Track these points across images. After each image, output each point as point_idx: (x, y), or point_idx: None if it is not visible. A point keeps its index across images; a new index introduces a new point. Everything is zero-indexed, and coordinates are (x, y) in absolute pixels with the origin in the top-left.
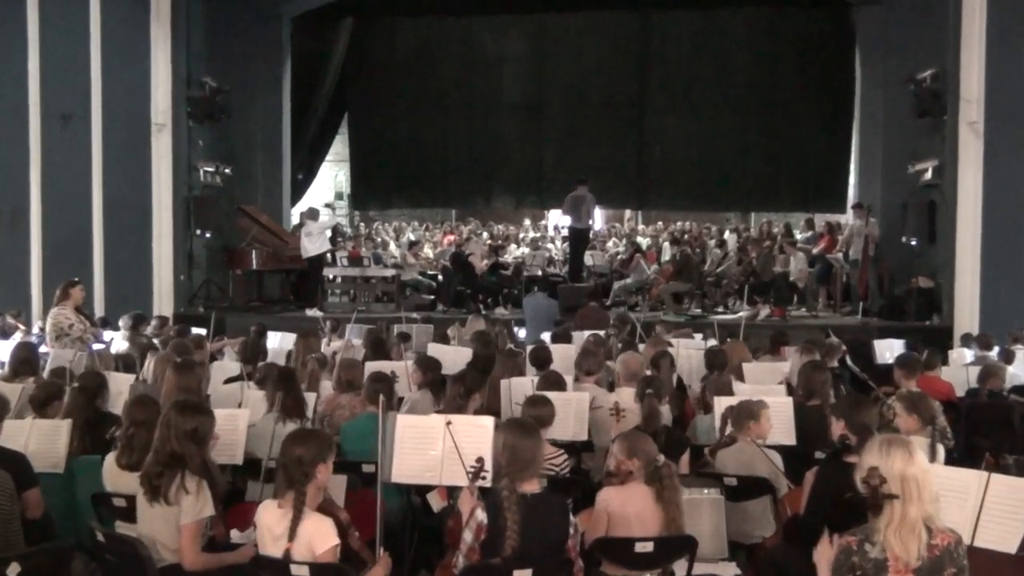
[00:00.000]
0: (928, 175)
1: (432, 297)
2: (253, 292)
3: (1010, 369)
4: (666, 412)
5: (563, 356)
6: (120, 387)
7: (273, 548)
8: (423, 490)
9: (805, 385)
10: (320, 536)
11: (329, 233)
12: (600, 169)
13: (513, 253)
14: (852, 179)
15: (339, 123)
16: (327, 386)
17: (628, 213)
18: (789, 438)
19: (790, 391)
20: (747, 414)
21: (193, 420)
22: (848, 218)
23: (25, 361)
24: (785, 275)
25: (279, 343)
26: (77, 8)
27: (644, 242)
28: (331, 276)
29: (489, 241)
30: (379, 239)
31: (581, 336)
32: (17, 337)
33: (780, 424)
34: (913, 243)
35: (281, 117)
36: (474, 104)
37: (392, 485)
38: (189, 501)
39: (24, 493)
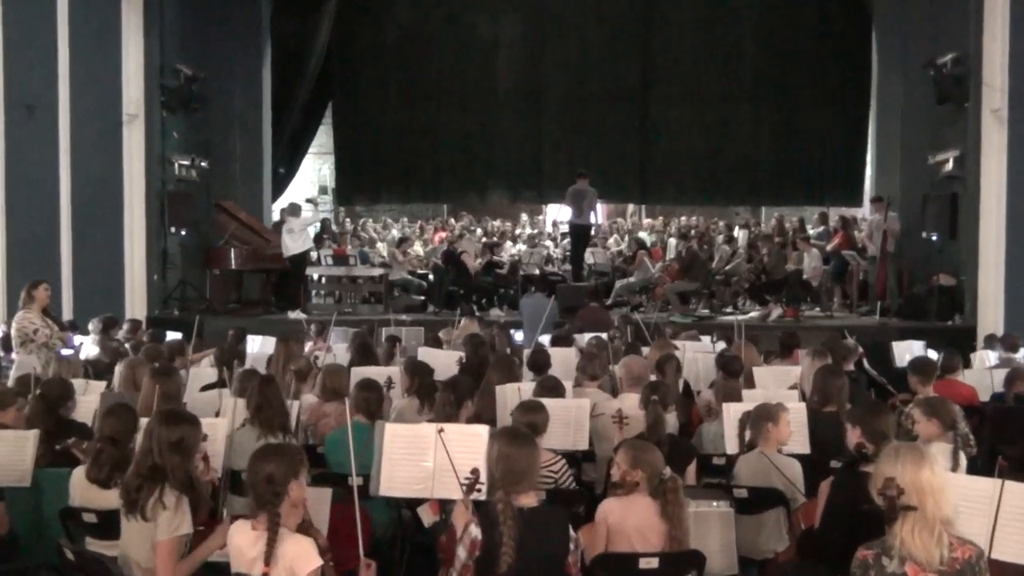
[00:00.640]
0: (949, 166)
1: (422, 298)
2: (232, 293)
3: None
4: (672, 419)
5: (563, 360)
6: (91, 395)
7: (248, 571)
8: (413, 504)
9: (820, 390)
10: (302, 559)
11: (312, 230)
12: (601, 161)
13: (509, 251)
14: (869, 171)
15: (323, 113)
16: (310, 394)
17: (631, 208)
18: (803, 446)
19: (803, 397)
20: (765, 416)
21: (178, 430)
22: (865, 212)
23: None
24: (798, 273)
25: (259, 347)
26: None
27: (648, 238)
28: (315, 276)
29: (483, 238)
30: (366, 236)
31: (581, 339)
32: None
33: (793, 432)
34: (934, 238)
35: (261, 106)
36: (467, 92)
37: (381, 499)
38: (166, 517)
39: None
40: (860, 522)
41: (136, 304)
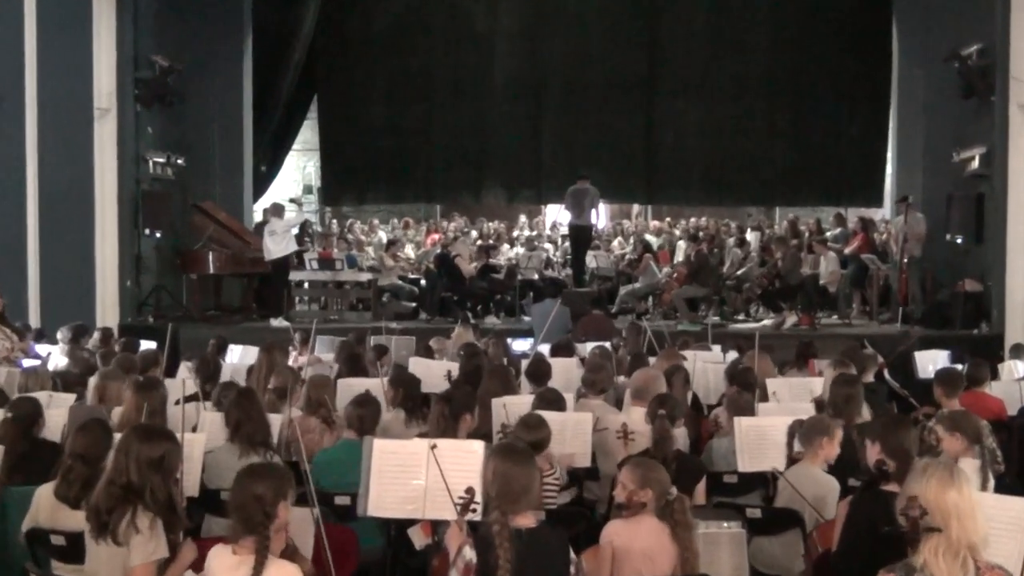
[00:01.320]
0: (975, 164)
1: (414, 304)
2: (210, 300)
3: None
4: (681, 435)
5: (564, 370)
6: (57, 409)
7: None
8: (404, 524)
9: (835, 403)
10: None
11: (296, 232)
12: (604, 159)
13: (506, 254)
14: (889, 169)
15: (308, 107)
16: (294, 407)
17: (636, 208)
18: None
19: (820, 410)
20: (820, 430)
21: (158, 447)
22: (886, 213)
23: None
24: (814, 278)
25: (239, 358)
26: None
27: (654, 241)
28: (299, 281)
29: (479, 241)
30: (353, 239)
31: (583, 348)
32: None
33: None
34: (958, 241)
35: (242, 100)
36: (462, 85)
37: (369, 519)
38: (139, 541)
39: None
40: (880, 545)
41: (108, 311)
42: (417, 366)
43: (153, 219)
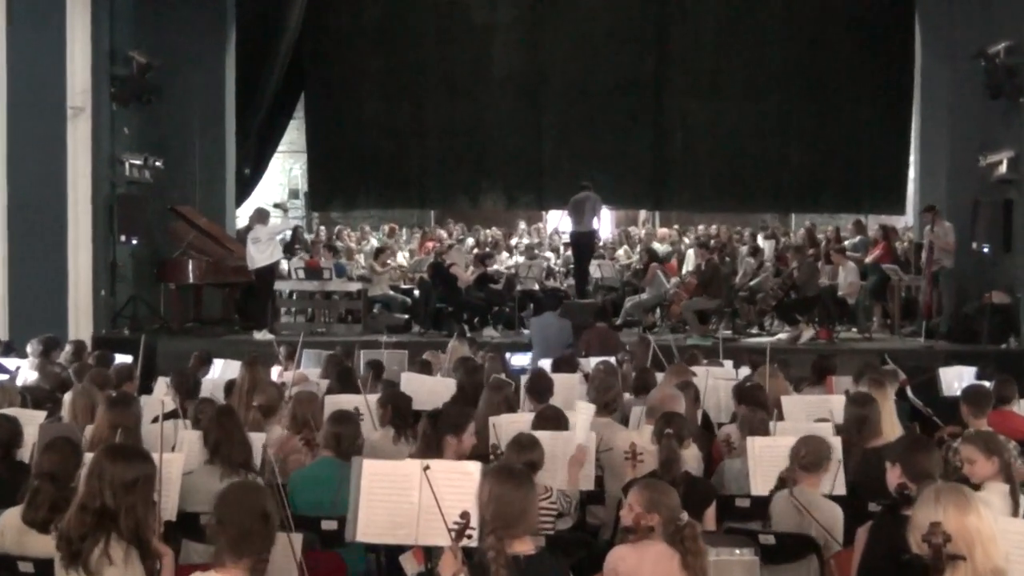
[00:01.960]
0: (1003, 168)
1: (406, 316)
2: (189, 311)
3: None
4: (694, 456)
5: (566, 386)
6: (28, 427)
7: None
8: (395, 551)
9: (858, 422)
10: None
11: (282, 240)
12: (609, 162)
13: (505, 263)
14: (912, 174)
15: (294, 106)
16: (278, 426)
17: (643, 215)
18: (839, 486)
19: (838, 431)
20: (825, 455)
21: (133, 468)
22: (908, 221)
23: None
24: (832, 289)
25: (220, 373)
26: None
27: (662, 250)
28: (284, 291)
29: (475, 248)
30: (342, 246)
31: (587, 363)
32: None
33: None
34: (985, 250)
35: (224, 99)
36: (458, 83)
37: (357, 545)
38: (113, 574)
39: None
40: (902, 573)
41: (81, 323)
42: (410, 382)
43: (129, 225)
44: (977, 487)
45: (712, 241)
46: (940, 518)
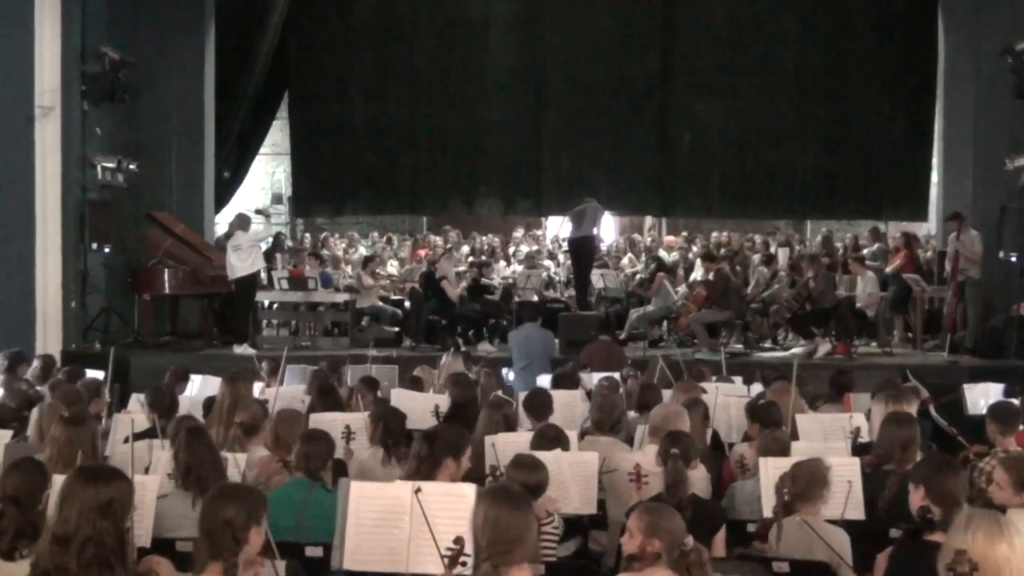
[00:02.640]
0: None
1: (396, 329)
2: (165, 323)
3: None
4: (702, 478)
5: (567, 404)
6: None
7: None
8: None
9: (892, 448)
10: None
11: (264, 247)
12: (613, 165)
13: (501, 272)
14: (935, 178)
15: (277, 105)
16: (260, 446)
17: (649, 222)
18: (857, 511)
19: (858, 451)
20: (821, 481)
21: (107, 490)
22: (931, 228)
23: None
24: (850, 300)
25: (198, 390)
26: None
27: (669, 258)
28: (266, 303)
29: (471, 257)
30: (328, 255)
31: (589, 379)
32: None
33: (845, 491)
34: (1013, 259)
35: (203, 98)
36: (452, 81)
37: (344, 573)
38: None
39: None
40: None
41: (49, 337)
42: (400, 399)
43: (101, 232)
44: (1002, 509)
45: (722, 250)
46: (967, 546)
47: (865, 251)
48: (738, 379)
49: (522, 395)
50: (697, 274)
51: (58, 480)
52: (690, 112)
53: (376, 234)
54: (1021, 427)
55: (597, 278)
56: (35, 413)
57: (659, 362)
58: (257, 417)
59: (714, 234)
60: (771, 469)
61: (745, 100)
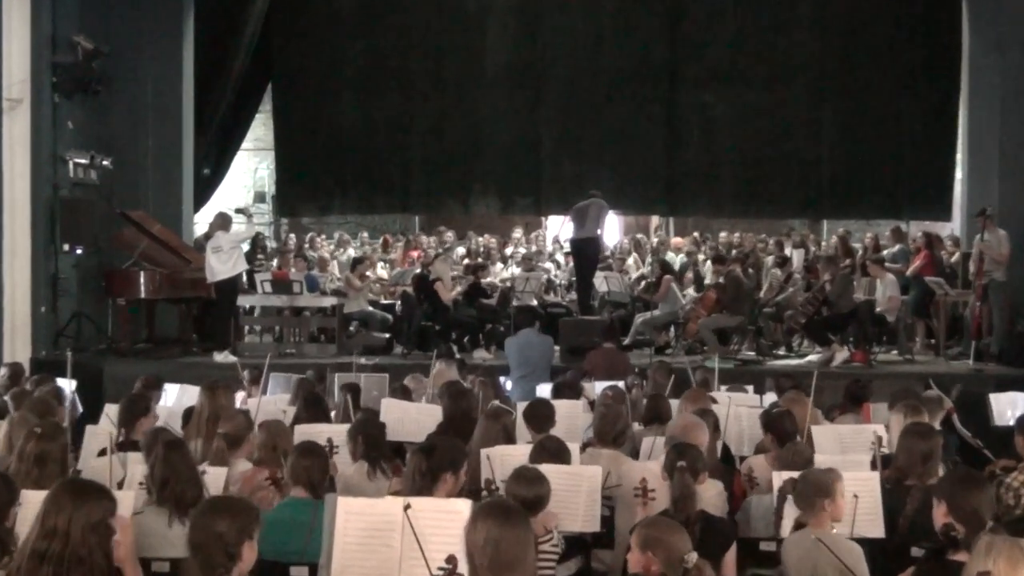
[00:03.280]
0: None
1: (387, 336)
2: (141, 330)
3: None
4: (713, 492)
5: (569, 415)
6: None
7: None
8: None
9: (912, 461)
10: None
11: (246, 248)
12: (617, 162)
13: (499, 275)
14: (959, 174)
15: (261, 98)
16: (243, 458)
17: (655, 221)
18: (875, 528)
19: (884, 466)
20: (820, 490)
21: (98, 507)
22: (955, 228)
23: None
24: (869, 305)
25: (175, 400)
26: None
27: (677, 260)
28: (248, 307)
29: (466, 259)
30: (314, 256)
31: (592, 388)
32: None
33: (864, 509)
34: None
35: (181, 90)
36: (446, 73)
37: None
38: None
39: None
40: None
41: (18, 343)
42: (391, 410)
43: (73, 232)
44: None
45: (733, 251)
46: (991, 568)
47: (886, 252)
48: (749, 388)
49: (521, 405)
50: (707, 277)
51: (28, 496)
52: (699, 105)
53: (366, 235)
54: None
55: (600, 281)
56: (3, 425)
57: (657, 370)
58: (241, 428)
59: (724, 234)
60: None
61: (757, 92)
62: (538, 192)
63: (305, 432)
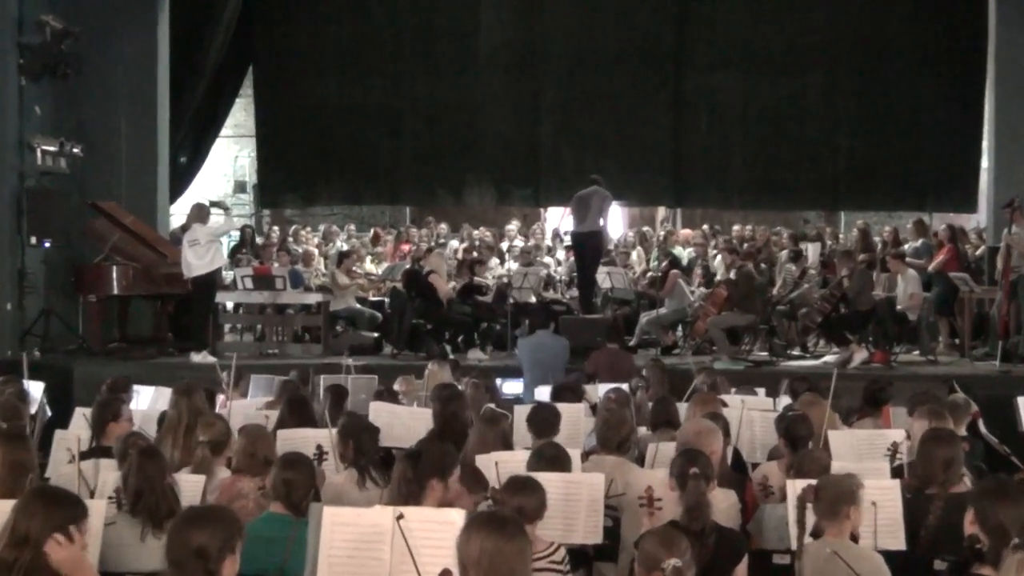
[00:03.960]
0: None
1: (376, 335)
2: (113, 328)
3: None
4: (726, 501)
5: (570, 419)
6: None
7: None
8: None
9: (933, 469)
10: None
11: (226, 242)
12: (621, 149)
13: (495, 271)
14: (985, 163)
15: (241, 81)
16: (222, 466)
17: (662, 213)
18: (896, 540)
19: (897, 472)
20: (845, 497)
21: (67, 512)
22: (980, 220)
23: None
24: (890, 302)
25: (150, 403)
26: None
27: (685, 255)
28: (228, 305)
29: (460, 254)
30: (298, 250)
31: (594, 391)
32: None
33: (884, 519)
34: None
35: (156, 73)
36: (439, 55)
37: None
38: None
39: None
40: None
41: None
42: (380, 414)
43: (41, 225)
44: None
45: (745, 245)
46: None
47: (908, 246)
48: (762, 391)
49: (524, 409)
50: (717, 273)
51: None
52: (708, 89)
53: (353, 227)
54: None
55: (603, 277)
56: None
57: (661, 372)
58: (222, 434)
59: (736, 227)
60: (801, 492)
61: (771, 76)
62: (536, 182)
63: (288, 438)
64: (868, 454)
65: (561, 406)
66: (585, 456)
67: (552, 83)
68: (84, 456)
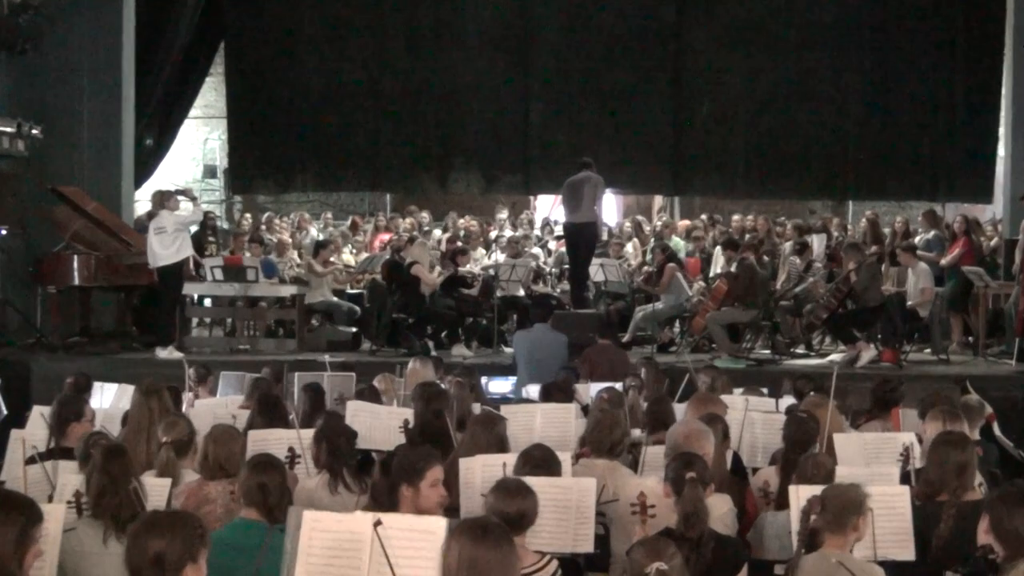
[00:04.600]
0: None
1: (354, 330)
2: (74, 321)
3: None
4: (723, 508)
5: (559, 421)
6: None
7: None
8: None
9: (945, 474)
10: None
11: (193, 230)
12: (616, 135)
13: (481, 262)
14: (1001, 151)
15: (211, 59)
16: (189, 469)
17: (659, 202)
18: (905, 550)
19: (905, 478)
20: (853, 507)
21: (17, 520)
22: (997, 211)
23: None
24: (900, 298)
25: (113, 401)
26: None
27: (683, 246)
28: (196, 297)
29: (444, 244)
30: (272, 240)
31: (586, 390)
32: None
33: (892, 528)
34: None
35: (121, 50)
36: (423, 35)
37: None
38: None
39: None
40: None
41: None
42: (358, 414)
43: None
44: None
45: (747, 236)
46: None
47: (919, 239)
48: (764, 391)
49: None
50: (717, 266)
51: None
52: (710, 71)
53: (330, 215)
54: None
55: (596, 270)
56: None
57: (656, 370)
58: (186, 434)
59: (737, 217)
60: (803, 499)
61: (775, 57)
62: (526, 169)
63: (260, 439)
64: (876, 459)
65: (549, 406)
66: (576, 460)
67: (544, 63)
68: (43, 457)
